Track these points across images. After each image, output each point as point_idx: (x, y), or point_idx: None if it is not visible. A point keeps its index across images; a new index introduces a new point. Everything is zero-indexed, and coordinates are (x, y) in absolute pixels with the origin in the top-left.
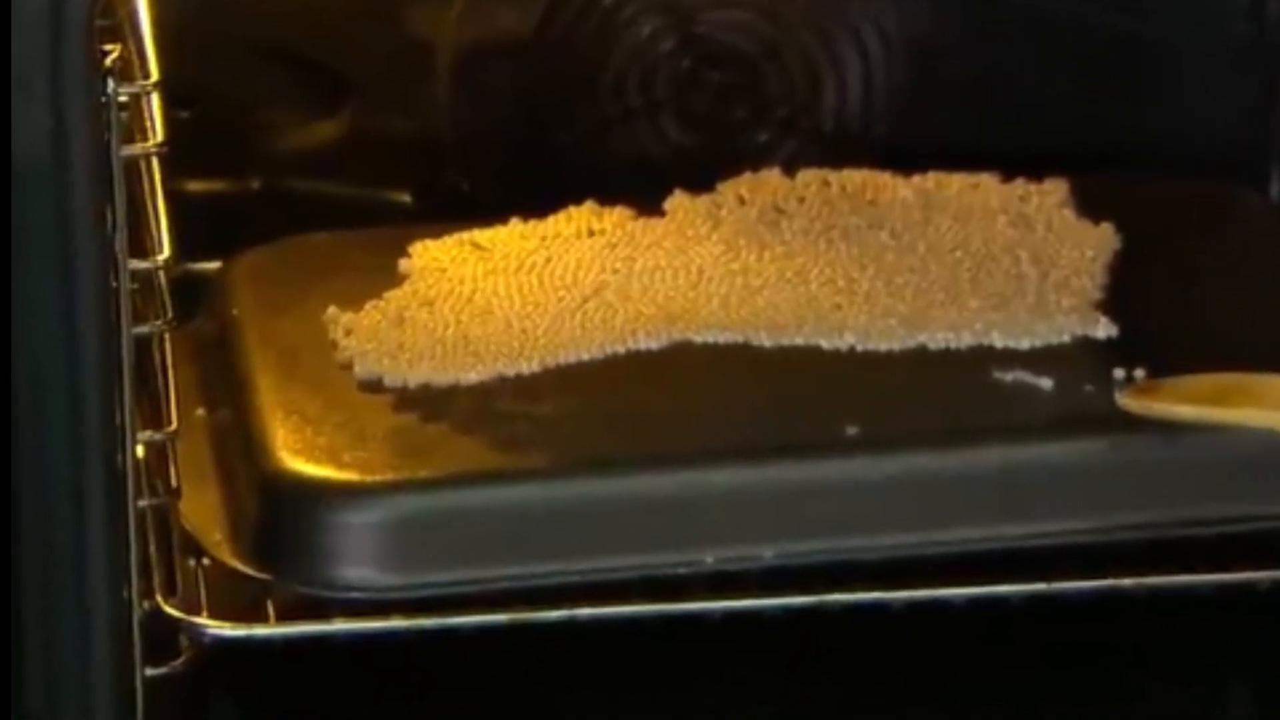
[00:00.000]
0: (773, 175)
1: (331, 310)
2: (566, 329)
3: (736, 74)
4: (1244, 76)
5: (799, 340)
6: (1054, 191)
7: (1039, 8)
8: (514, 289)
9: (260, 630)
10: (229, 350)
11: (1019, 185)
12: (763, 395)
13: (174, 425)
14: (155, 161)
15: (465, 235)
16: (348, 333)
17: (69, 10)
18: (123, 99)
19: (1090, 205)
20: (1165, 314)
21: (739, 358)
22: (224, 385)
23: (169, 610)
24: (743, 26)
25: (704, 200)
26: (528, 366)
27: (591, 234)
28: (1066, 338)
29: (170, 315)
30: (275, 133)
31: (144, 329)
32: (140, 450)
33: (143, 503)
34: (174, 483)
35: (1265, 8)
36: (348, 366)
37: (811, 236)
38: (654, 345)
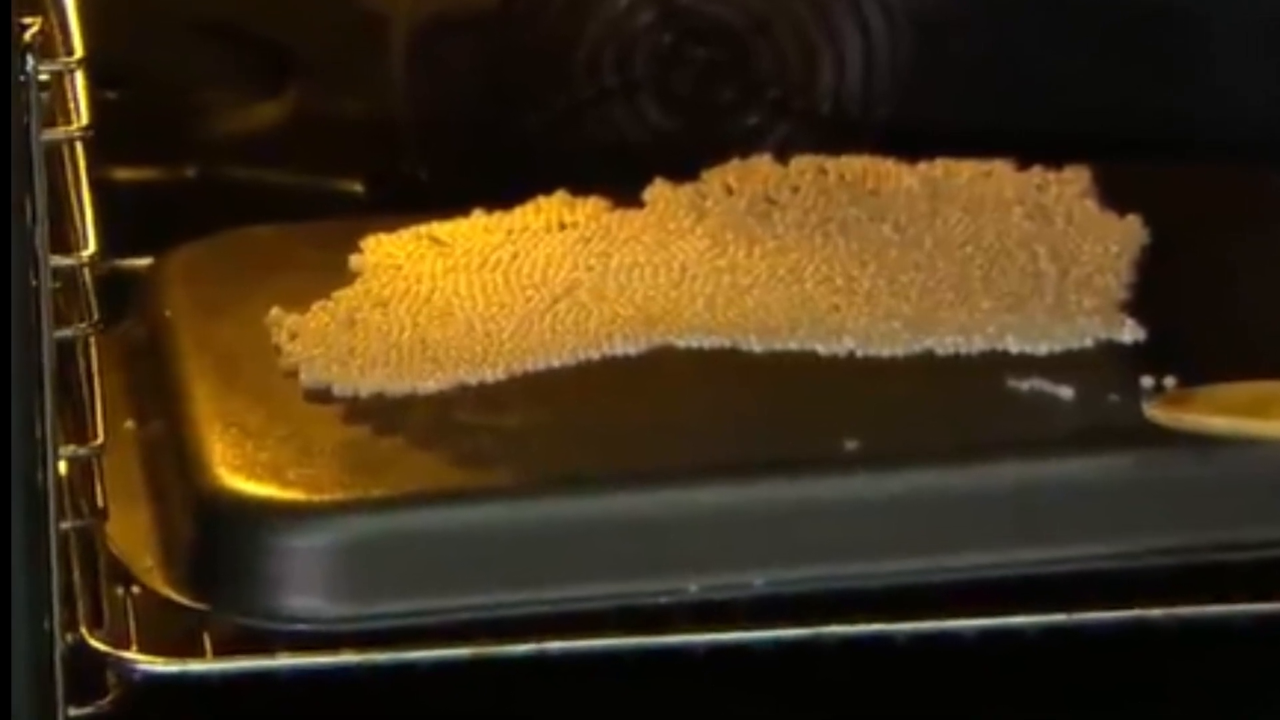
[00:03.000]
0: (763, 162)
1: (275, 312)
2: (535, 332)
3: (723, 50)
4: None
5: (793, 345)
6: (1075, 180)
7: None
8: (477, 288)
9: (196, 666)
10: (161, 356)
11: (1036, 173)
12: (752, 406)
13: (100, 439)
14: (80, 147)
15: (423, 228)
16: (293, 336)
17: None
18: (43, 78)
19: (1115, 195)
20: (1198, 316)
21: (726, 364)
22: (156, 394)
23: (95, 644)
24: None
25: (687, 190)
26: (492, 374)
27: (563, 227)
28: (1089, 342)
29: (96, 317)
30: (213, 115)
31: (67, 332)
32: (63, 467)
33: (65, 525)
34: (100, 503)
35: None
36: (293, 374)
37: (806, 230)
38: (632, 350)
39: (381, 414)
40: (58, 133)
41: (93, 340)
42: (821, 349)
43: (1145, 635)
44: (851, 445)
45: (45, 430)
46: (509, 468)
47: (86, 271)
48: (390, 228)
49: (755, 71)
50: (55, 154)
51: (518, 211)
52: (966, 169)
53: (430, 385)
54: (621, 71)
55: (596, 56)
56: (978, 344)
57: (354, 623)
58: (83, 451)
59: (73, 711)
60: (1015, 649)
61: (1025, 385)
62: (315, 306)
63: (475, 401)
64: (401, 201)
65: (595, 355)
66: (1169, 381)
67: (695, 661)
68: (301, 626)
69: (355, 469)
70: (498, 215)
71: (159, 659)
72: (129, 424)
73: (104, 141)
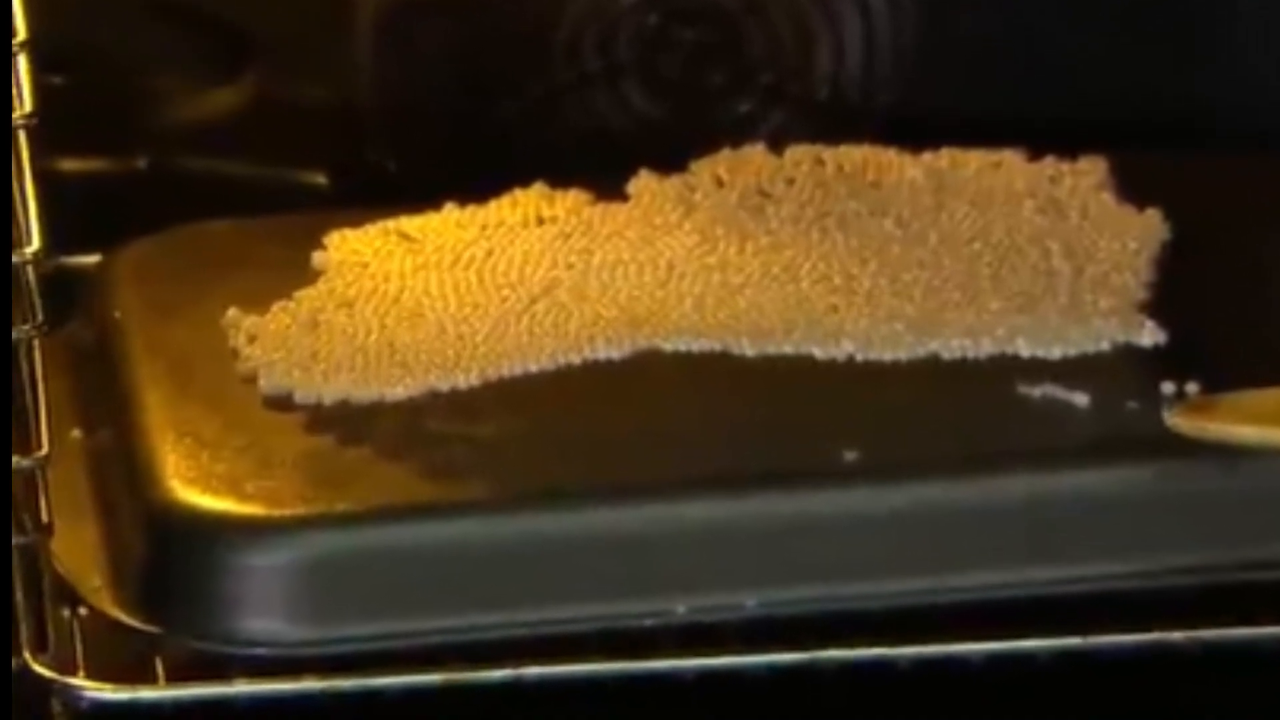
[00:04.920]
0: (756, 153)
1: (232, 313)
2: (511, 335)
3: (713, 32)
4: None
5: (788, 348)
6: (1090, 172)
7: None
8: (449, 287)
9: (147, 693)
10: (110, 360)
11: (1049, 164)
12: (744, 414)
13: (45, 449)
14: (23, 136)
15: (391, 223)
16: (251, 339)
17: None
18: None
19: (1133, 187)
20: (1223, 317)
21: (716, 369)
22: (104, 402)
23: (39, 669)
24: None
25: (674, 182)
26: (465, 379)
27: (541, 222)
28: (1105, 345)
29: (40, 319)
30: (166, 102)
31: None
32: None
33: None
34: (45, 518)
35: None
36: (251, 380)
37: (802, 225)
38: (615, 354)
39: (346, 423)
40: None
41: (36, 343)
42: (819, 352)
43: (1165, 660)
44: (851, 456)
45: None
46: (483, 480)
47: (30, 270)
48: (356, 222)
49: (748, 55)
50: None
51: (493, 205)
52: (974, 160)
53: (399, 392)
54: (604, 55)
55: (577, 39)
56: (986, 347)
57: (317, 647)
58: (26, 463)
59: None
60: (1026, 675)
61: (1037, 392)
62: (275, 307)
63: (447, 409)
64: (368, 194)
65: (576, 359)
66: (1191, 387)
67: (683, 688)
68: (260, 651)
69: (318, 482)
70: (471, 209)
71: (108, 686)
72: (75, 433)
73: (49, 130)
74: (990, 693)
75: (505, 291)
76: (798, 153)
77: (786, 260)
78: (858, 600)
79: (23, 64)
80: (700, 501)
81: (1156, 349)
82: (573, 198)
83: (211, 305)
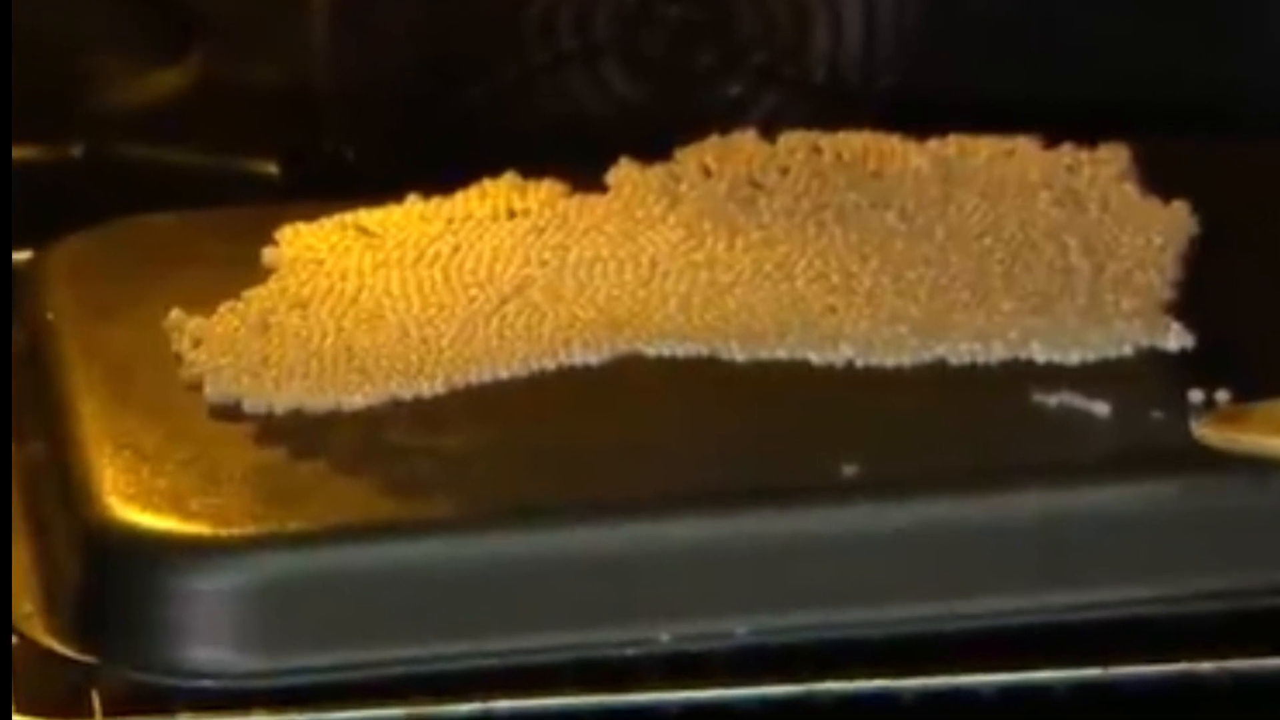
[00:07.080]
0: (747, 139)
1: (175, 314)
2: (480, 338)
3: (700, 8)
4: None
5: (781, 353)
6: (1111, 160)
7: None
8: (412, 287)
9: None
10: (42, 365)
11: (1066, 152)
12: (735, 424)
13: None
14: None
15: (348, 217)
16: (196, 343)
17: None
18: None
19: (1158, 177)
20: (1255, 318)
21: (703, 376)
22: (36, 411)
23: None
24: None
25: (658, 172)
26: (430, 386)
27: (512, 215)
28: (1128, 349)
29: None
30: (104, 84)
31: None
32: None
33: None
34: None
35: None
36: (197, 387)
37: (797, 219)
38: (593, 359)
39: (300, 434)
40: None
41: None
42: (815, 357)
43: (1192, 692)
44: (850, 470)
45: None
46: (449, 497)
47: None
48: (310, 216)
49: (738, 33)
50: None
51: (459, 197)
52: (985, 148)
53: (357, 400)
54: (581, 33)
55: (552, 16)
56: (998, 352)
57: (267, 678)
58: None
59: None
60: (1041, 708)
61: (1053, 400)
62: (223, 308)
63: (410, 419)
64: (324, 185)
65: (550, 365)
66: (1221, 395)
67: None
68: (206, 682)
69: (269, 498)
70: (436, 201)
71: None
72: None
73: None
74: None
75: (473, 291)
76: (792, 140)
77: (780, 257)
78: (858, 628)
79: None
80: (686, 520)
81: (1183, 353)
82: (547, 189)
83: (153, 306)
